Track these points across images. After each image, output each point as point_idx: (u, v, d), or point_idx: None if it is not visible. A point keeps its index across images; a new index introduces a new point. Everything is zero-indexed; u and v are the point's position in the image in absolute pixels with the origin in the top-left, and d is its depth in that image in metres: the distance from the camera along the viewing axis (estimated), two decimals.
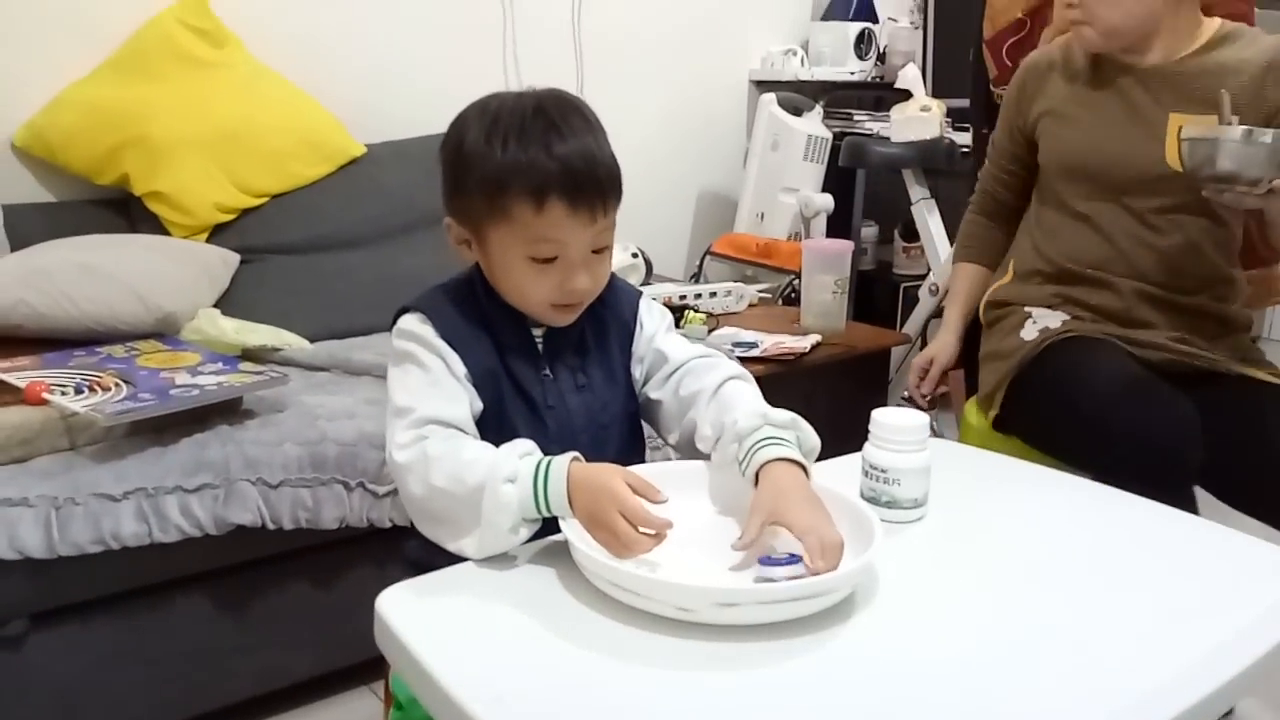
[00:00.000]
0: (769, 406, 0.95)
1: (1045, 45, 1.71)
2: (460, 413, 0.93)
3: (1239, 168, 1.26)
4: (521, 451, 0.89)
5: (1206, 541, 0.98)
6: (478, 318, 0.98)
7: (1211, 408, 1.39)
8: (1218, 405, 1.41)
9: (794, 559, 0.83)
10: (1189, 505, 1.26)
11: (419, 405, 0.91)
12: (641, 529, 0.83)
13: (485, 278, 0.99)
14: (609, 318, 1.04)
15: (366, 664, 1.53)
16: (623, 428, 1.03)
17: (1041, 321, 1.52)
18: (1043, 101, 1.59)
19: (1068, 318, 1.52)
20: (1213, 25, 1.50)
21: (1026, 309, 1.56)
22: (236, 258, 1.99)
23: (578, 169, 0.90)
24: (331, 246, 2.10)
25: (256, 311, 1.89)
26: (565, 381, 1.00)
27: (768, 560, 0.84)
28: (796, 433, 0.93)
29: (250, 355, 1.73)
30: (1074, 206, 1.55)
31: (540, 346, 1.00)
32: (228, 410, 1.50)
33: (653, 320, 1.07)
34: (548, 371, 1.00)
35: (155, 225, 1.99)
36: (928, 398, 1.76)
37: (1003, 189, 1.72)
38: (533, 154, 0.90)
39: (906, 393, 1.81)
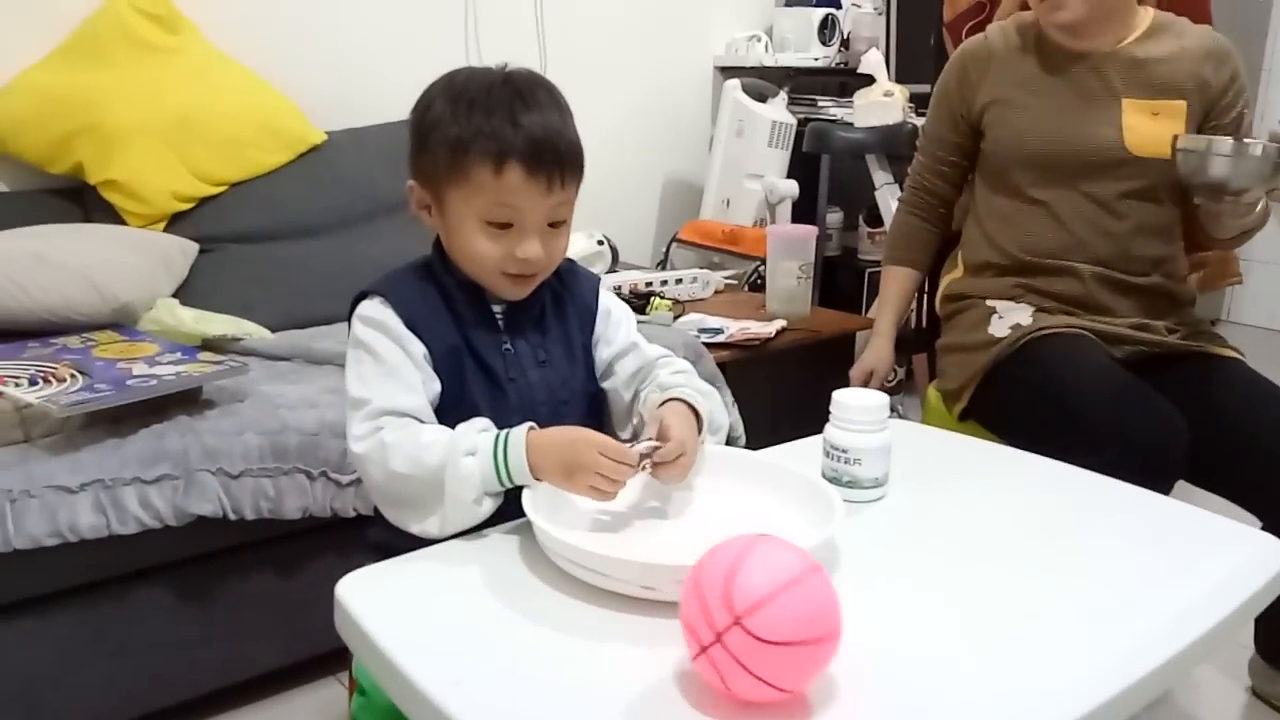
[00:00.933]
0: (700, 381, 1.02)
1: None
2: (416, 402, 0.93)
3: (1228, 179, 1.33)
4: (479, 427, 0.91)
5: (1162, 516, 1.00)
6: (437, 295, 0.99)
7: (1170, 388, 1.41)
8: (1176, 385, 1.44)
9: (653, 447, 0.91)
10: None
11: (374, 396, 0.93)
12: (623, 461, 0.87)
13: (444, 254, 1.00)
14: (569, 299, 1.06)
15: (332, 654, 1.50)
16: (582, 406, 1.05)
17: (1009, 316, 1.52)
18: (988, 89, 1.59)
19: (1034, 309, 1.52)
20: (1149, 15, 1.54)
21: (989, 302, 1.56)
22: (195, 247, 1.96)
23: (539, 138, 0.92)
24: (292, 235, 2.07)
25: (216, 301, 1.87)
26: (526, 356, 1.01)
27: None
28: (709, 403, 0.99)
29: (210, 345, 1.71)
30: (1029, 194, 1.55)
31: (501, 322, 1.01)
32: (187, 400, 1.48)
33: (620, 309, 1.10)
34: (509, 346, 1.01)
35: (111, 215, 1.96)
36: None
37: (940, 181, 1.70)
38: (496, 120, 0.92)
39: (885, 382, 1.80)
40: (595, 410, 1.07)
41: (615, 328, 1.07)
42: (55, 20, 1.99)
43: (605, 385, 1.07)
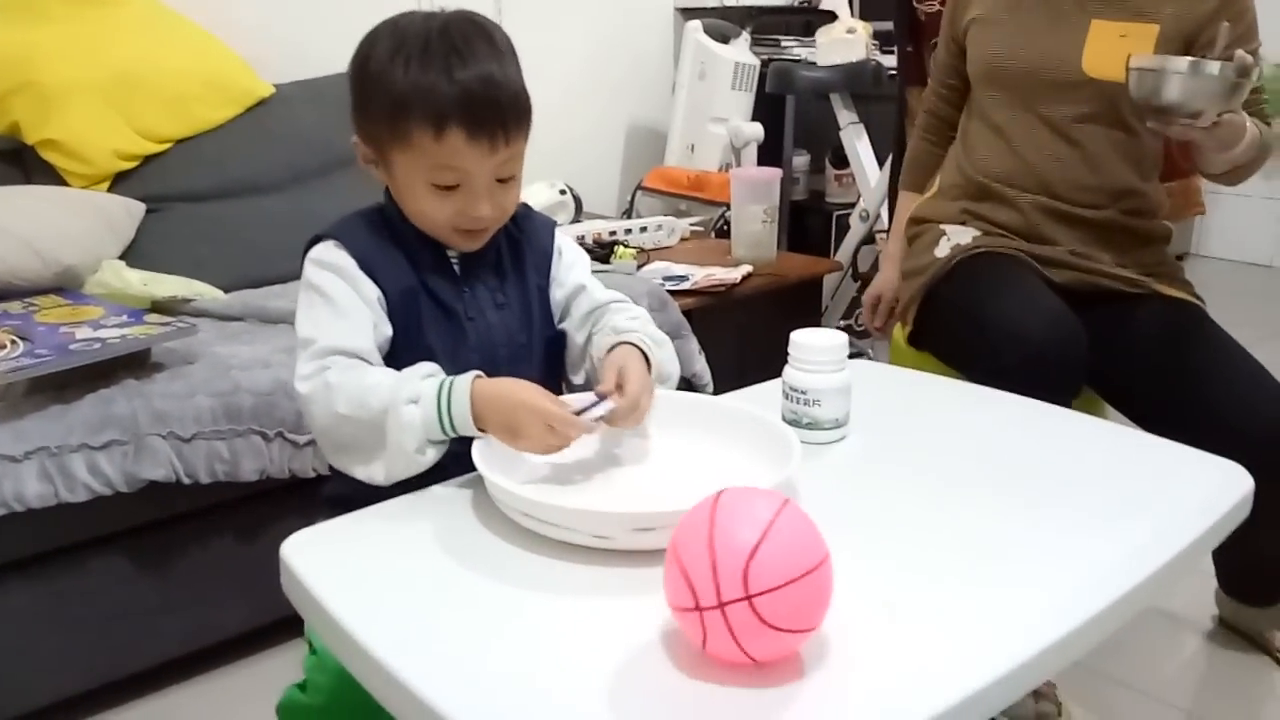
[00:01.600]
0: (654, 328, 1.01)
1: None
2: (363, 344, 0.91)
3: (1183, 99, 1.25)
4: (424, 373, 0.88)
5: (1126, 448, 0.99)
6: (392, 240, 0.96)
7: (1115, 324, 1.39)
8: (1121, 321, 1.42)
9: (601, 399, 0.88)
10: None
11: (321, 336, 0.90)
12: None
13: (396, 200, 0.97)
14: (525, 243, 1.03)
15: (297, 617, 1.50)
16: (541, 349, 1.03)
17: (954, 238, 1.51)
18: (975, 7, 1.56)
19: (978, 233, 1.51)
20: None
21: (941, 226, 1.55)
22: (141, 207, 1.90)
23: (477, 95, 0.88)
24: (242, 192, 2.01)
25: (166, 262, 1.82)
26: (484, 298, 0.99)
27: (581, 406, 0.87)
28: (661, 352, 0.98)
29: (160, 307, 1.66)
30: (991, 117, 1.53)
31: (457, 268, 0.99)
32: (134, 364, 1.44)
33: (572, 250, 1.07)
34: (466, 289, 0.98)
35: (52, 176, 1.89)
36: (881, 330, 1.76)
37: (945, 105, 1.68)
38: (433, 78, 0.88)
39: (854, 323, 1.79)
40: (556, 353, 1.05)
41: (567, 269, 1.05)
42: None
43: (562, 327, 1.05)
